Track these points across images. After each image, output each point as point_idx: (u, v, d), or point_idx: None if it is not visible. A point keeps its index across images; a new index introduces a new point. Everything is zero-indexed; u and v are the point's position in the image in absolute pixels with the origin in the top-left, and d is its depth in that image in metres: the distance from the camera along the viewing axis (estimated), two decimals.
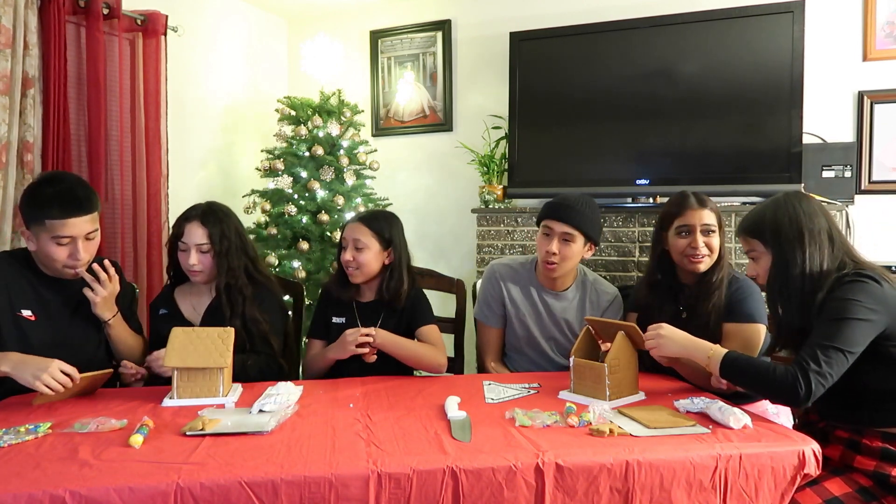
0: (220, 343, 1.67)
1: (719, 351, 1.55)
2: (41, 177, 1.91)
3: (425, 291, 2.19)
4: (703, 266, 1.96)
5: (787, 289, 1.55)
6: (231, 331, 1.70)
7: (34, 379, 1.55)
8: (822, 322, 1.46)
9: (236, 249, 2.02)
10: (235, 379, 1.78)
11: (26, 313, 1.76)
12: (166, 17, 3.13)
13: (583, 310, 2.16)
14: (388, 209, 3.44)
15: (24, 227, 1.76)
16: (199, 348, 1.65)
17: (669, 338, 1.62)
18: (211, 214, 2.00)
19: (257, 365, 1.93)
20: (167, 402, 1.62)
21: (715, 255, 1.97)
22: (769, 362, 1.52)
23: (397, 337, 1.98)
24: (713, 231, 1.96)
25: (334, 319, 2.10)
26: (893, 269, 2.65)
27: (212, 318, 1.99)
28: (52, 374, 1.56)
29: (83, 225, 1.75)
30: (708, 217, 1.96)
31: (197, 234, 1.96)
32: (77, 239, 1.74)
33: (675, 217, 1.99)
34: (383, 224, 2.07)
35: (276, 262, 3.29)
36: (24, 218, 1.77)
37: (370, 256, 2.03)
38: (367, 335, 1.91)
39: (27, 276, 1.80)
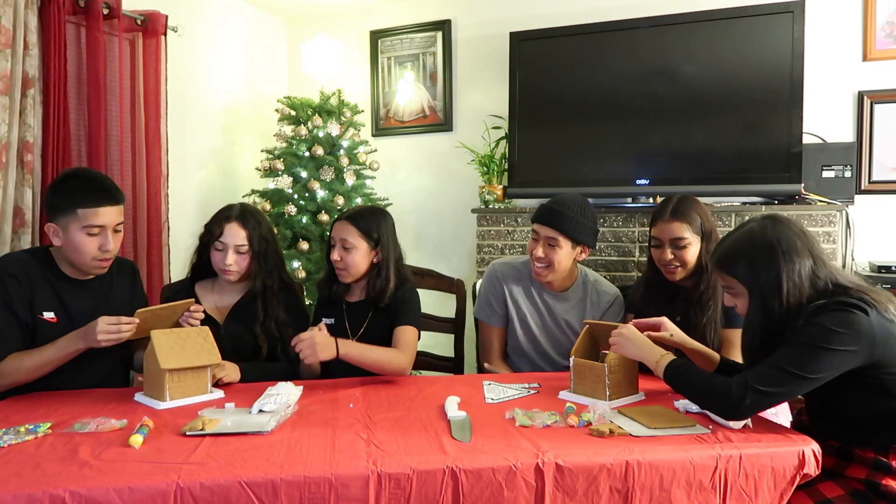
0: (203, 341, 1.69)
1: (667, 357, 1.56)
2: (66, 171, 1.91)
3: (426, 291, 2.17)
4: (677, 276, 1.99)
5: (770, 332, 1.46)
6: (207, 329, 1.73)
7: (97, 338, 1.62)
8: (791, 344, 1.39)
9: (272, 251, 2.04)
10: (246, 380, 1.84)
11: (48, 315, 1.75)
12: (166, 17, 3.12)
13: (584, 310, 2.16)
14: (388, 209, 3.44)
15: (49, 221, 1.75)
16: (187, 348, 1.66)
17: (629, 339, 1.64)
18: (249, 216, 2.01)
19: (278, 369, 1.97)
20: (161, 405, 1.60)
21: (689, 267, 1.96)
22: (713, 374, 1.50)
23: (361, 347, 1.86)
24: (686, 245, 1.95)
25: (324, 320, 2.07)
26: (894, 268, 2.66)
27: (239, 316, 2.01)
28: (101, 330, 1.62)
29: (113, 215, 1.77)
30: (678, 230, 1.95)
31: (238, 236, 1.96)
32: (107, 229, 1.75)
33: (651, 226, 2.03)
34: (371, 222, 2.02)
35: None
36: (51, 211, 1.75)
37: (358, 257, 2.00)
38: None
39: (48, 277, 1.78)
